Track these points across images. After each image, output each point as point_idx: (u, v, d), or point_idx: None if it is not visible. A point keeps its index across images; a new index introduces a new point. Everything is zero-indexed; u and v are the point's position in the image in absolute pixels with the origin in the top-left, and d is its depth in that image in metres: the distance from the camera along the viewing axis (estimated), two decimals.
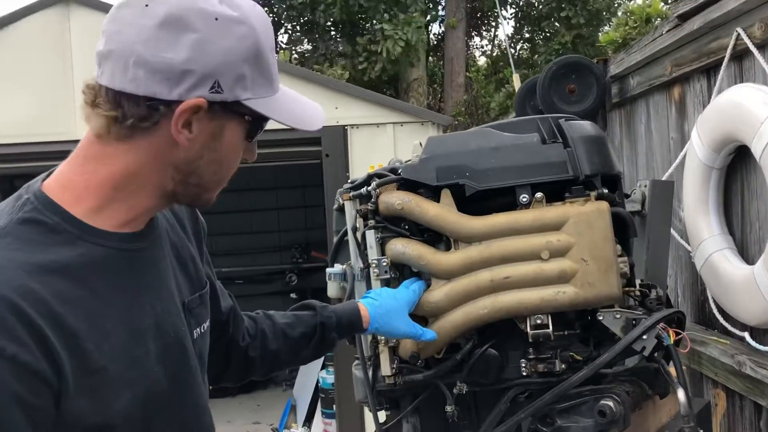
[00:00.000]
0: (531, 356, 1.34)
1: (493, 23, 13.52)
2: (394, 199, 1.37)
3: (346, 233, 1.49)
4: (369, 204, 1.40)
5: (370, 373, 1.42)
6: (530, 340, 1.31)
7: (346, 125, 4.12)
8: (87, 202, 0.98)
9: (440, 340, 1.34)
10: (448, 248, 1.37)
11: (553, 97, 2.89)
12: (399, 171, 1.41)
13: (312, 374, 4.76)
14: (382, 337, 1.38)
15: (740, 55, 1.98)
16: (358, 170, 3.95)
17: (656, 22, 4.88)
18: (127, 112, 0.94)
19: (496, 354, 1.35)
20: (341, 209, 1.51)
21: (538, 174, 1.34)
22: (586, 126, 1.41)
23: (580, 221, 1.31)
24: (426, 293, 1.34)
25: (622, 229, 1.39)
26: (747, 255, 2.02)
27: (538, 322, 1.31)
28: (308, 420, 4.71)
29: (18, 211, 0.96)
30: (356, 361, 1.52)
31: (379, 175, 1.43)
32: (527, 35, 12.86)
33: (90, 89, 0.97)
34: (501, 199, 1.36)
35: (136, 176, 0.98)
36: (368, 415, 4.16)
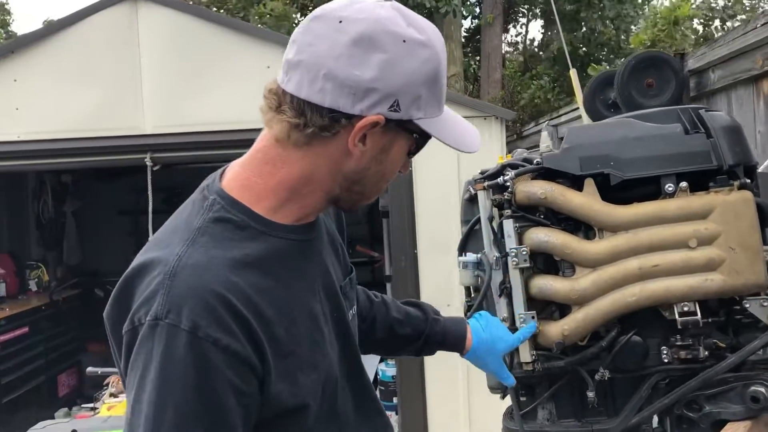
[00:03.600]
0: (674, 343, 1.36)
1: (523, 19, 13.49)
2: (536, 188, 1.39)
3: (476, 223, 1.52)
4: (505, 193, 1.42)
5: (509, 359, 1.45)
6: (679, 326, 1.32)
7: None
8: (266, 201, 1.05)
9: (586, 328, 1.36)
10: (586, 238, 1.40)
11: (632, 91, 2.90)
12: (536, 161, 1.44)
13: (370, 367, 4.81)
14: (522, 324, 1.41)
15: None
16: (421, 167, 3.97)
17: (683, 24, 4.89)
18: (309, 121, 0.99)
19: (641, 341, 1.37)
20: (472, 199, 1.53)
21: (682, 163, 1.36)
22: (725, 117, 1.43)
23: (726, 210, 1.33)
24: (572, 281, 1.37)
25: (761, 219, 1.40)
26: None
27: (686, 309, 1.33)
28: None
29: (208, 211, 1.03)
30: None
31: (514, 165, 1.46)
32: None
33: (273, 94, 1.02)
34: (642, 189, 1.38)
35: (310, 180, 1.05)
36: (431, 407, 4.20)
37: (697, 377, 1.32)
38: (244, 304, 0.96)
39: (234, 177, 1.07)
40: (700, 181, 1.36)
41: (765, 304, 1.33)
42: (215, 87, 3.95)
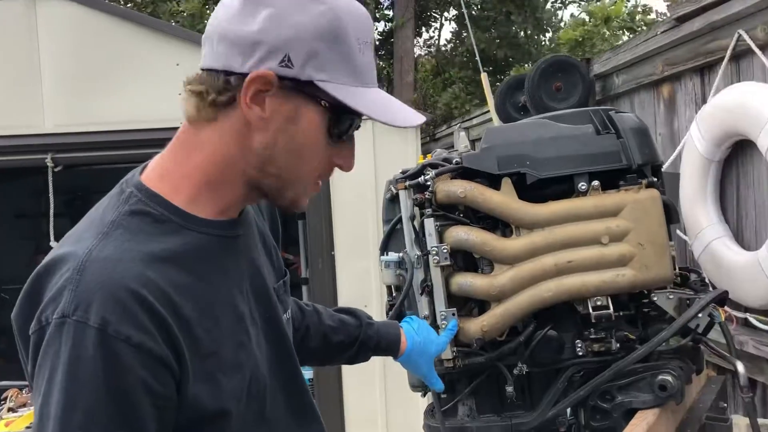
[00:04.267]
0: (587, 337, 1.41)
1: (435, 24, 13.72)
2: (456, 187, 1.41)
3: (397, 222, 1.53)
4: (426, 193, 1.44)
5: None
6: (593, 320, 1.37)
7: None
8: (184, 192, 0.99)
9: (505, 323, 1.39)
10: (503, 236, 1.43)
11: (541, 94, 2.99)
12: (455, 161, 1.46)
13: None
14: (443, 322, 1.42)
15: (738, 56, 2.11)
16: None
17: (613, 23, 5.14)
18: (209, 87, 0.96)
19: (557, 335, 1.41)
20: (393, 199, 1.54)
21: (594, 163, 1.41)
22: (634, 118, 1.49)
23: (636, 208, 1.38)
24: (491, 278, 1.39)
25: (667, 216, 1.47)
26: (743, 241, 2.16)
27: (599, 303, 1.37)
28: None
29: (124, 204, 0.98)
30: None
31: (434, 165, 1.47)
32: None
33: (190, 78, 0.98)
34: (556, 187, 1.42)
35: (223, 162, 0.99)
36: (348, 410, 4.19)
37: (610, 369, 1.37)
38: (160, 300, 0.91)
39: (152, 168, 1.02)
40: (610, 180, 1.42)
41: (671, 296, 1.39)
42: (123, 85, 3.81)
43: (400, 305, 1.47)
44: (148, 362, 0.89)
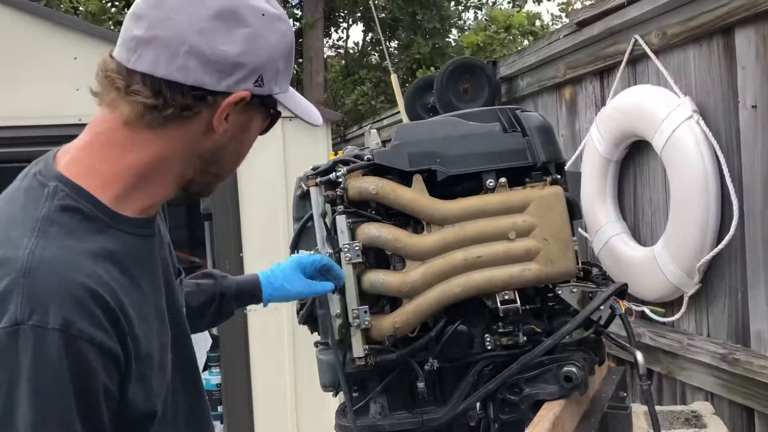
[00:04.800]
0: (496, 331, 1.43)
1: (344, 24, 13.74)
2: (368, 184, 1.41)
3: (308, 220, 1.51)
4: (338, 189, 1.43)
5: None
6: (501, 314, 1.39)
7: None
8: (112, 190, 0.97)
9: (416, 319, 1.40)
10: (414, 232, 1.43)
11: (450, 95, 3.04)
12: (366, 157, 1.46)
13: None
14: (356, 320, 1.42)
15: (634, 60, 2.21)
16: (246, 167, 3.89)
17: (514, 31, 5.31)
18: (169, 101, 0.93)
19: (467, 329, 1.43)
20: (304, 196, 1.52)
21: (501, 160, 1.43)
22: (539, 117, 1.53)
23: (541, 204, 1.42)
24: (402, 274, 1.40)
25: (570, 212, 1.52)
26: (639, 238, 2.26)
27: (506, 297, 1.40)
28: None
29: (50, 199, 0.93)
30: (320, 347, 1.54)
31: (345, 162, 1.46)
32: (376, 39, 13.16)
33: (116, 74, 0.94)
34: (465, 184, 1.44)
35: (163, 164, 0.98)
36: (258, 416, 4.11)
37: (517, 361, 1.39)
38: (111, 297, 0.89)
39: (73, 162, 0.97)
40: (516, 177, 1.45)
41: (574, 290, 1.43)
42: (14, 79, 3.60)
43: (311, 303, 1.45)
44: (106, 363, 0.87)
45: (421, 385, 1.43)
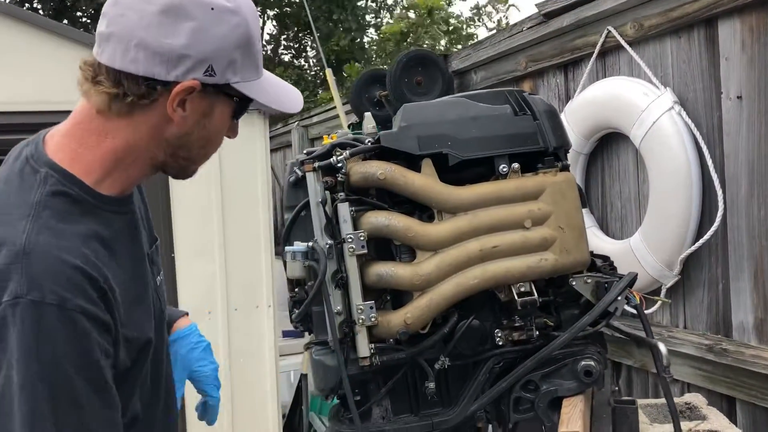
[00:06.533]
0: (507, 326, 1.36)
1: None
2: (375, 169, 1.30)
3: (302, 209, 1.38)
4: (339, 175, 1.31)
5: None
6: (518, 307, 1.32)
7: None
8: (94, 174, 1.08)
9: (430, 314, 1.30)
10: (420, 221, 1.34)
11: (404, 88, 2.96)
12: (367, 141, 1.35)
13: None
14: (361, 317, 1.30)
15: (604, 52, 2.19)
16: None
17: (437, 15, 5.32)
18: (127, 90, 1.03)
19: (480, 324, 1.34)
20: (297, 182, 1.39)
21: (514, 145, 1.36)
22: (543, 100, 1.46)
23: (555, 191, 1.35)
24: (414, 266, 1.29)
25: (581, 200, 1.46)
26: (608, 231, 2.25)
27: (523, 289, 1.33)
28: None
29: (43, 184, 1.04)
30: (315, 347, 1.41)
31: (344, 145, 1.35)
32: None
33: (88, 66, 1.05)
34: (475, 169, 1.36)
35: (135, 149, 1.09)
36: (188, 422, 3.88)
37: (534, 357, 1.32)
38: (99, 274, 1.00)
39: (60, 148, 1.08)
40: (526, 163, 1.38)
41: (588, 281, 1.38)
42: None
43: (312, 300, 1.32)
44: (101, 331, 0.98)
45: (431, 385, 1.34)
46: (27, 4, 9.51)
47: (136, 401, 1.14)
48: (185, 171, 1.17)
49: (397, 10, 9.45)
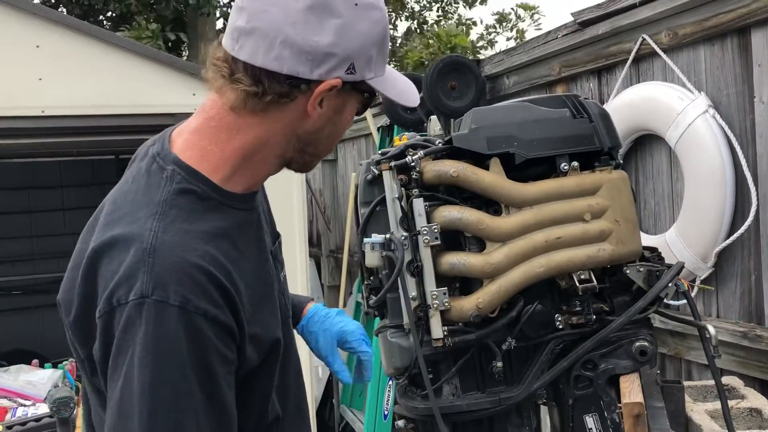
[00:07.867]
0: (567, 310, 1.48)
1: None
2: (448, 167, 1.43)
3: (378, 204, 1.51)
4: (413, 173, 1.44)
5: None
6: (580, 293, 1.44)
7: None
8: (222, 171, 1.07)
9: (500, 299, 1.42)
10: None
11: (439, 93, 3.08)
12: (438, 142, 1.48)
13: None
14: (435, 302, 1.43)
15: (638, 59, 2.32)
16: None
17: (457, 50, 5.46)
18: (267, 89, 1.01)
19: (544, 309, 1.47)
20: (373, 180, 1.52)
21: (573, 145, 1.48)
22: (597, 104, 1.59)
23: (612, 187, 1.48)
24: (485, 256, 1.42)
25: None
26: (642, 227, 2.37)
27: (583, 277, 1.45)
28: None
29: (169, 182, 1.03)
30: (390, 330, 1.54)
31: (416, 146, 1.48)
32: None
33: (223, 62, 1.03)
34: (537, 168, 1.49)
35: (265, 146, 1.08)
36: None
37: (593, 338, 1.44)
38: (223, 275, 0.99)
39: (188, 146, 1.07)
40: (583, 162, 1.51)
41: (641, 270, 1.50)
42: None
43: (392, 285, 1.45)
44: (221, 334, 0.97)
45: (499, 364, 1.46)
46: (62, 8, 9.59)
47: (274, 401, 1.13)
48: (309, 165, 1.16)
49: (416, 42, 9.52)
